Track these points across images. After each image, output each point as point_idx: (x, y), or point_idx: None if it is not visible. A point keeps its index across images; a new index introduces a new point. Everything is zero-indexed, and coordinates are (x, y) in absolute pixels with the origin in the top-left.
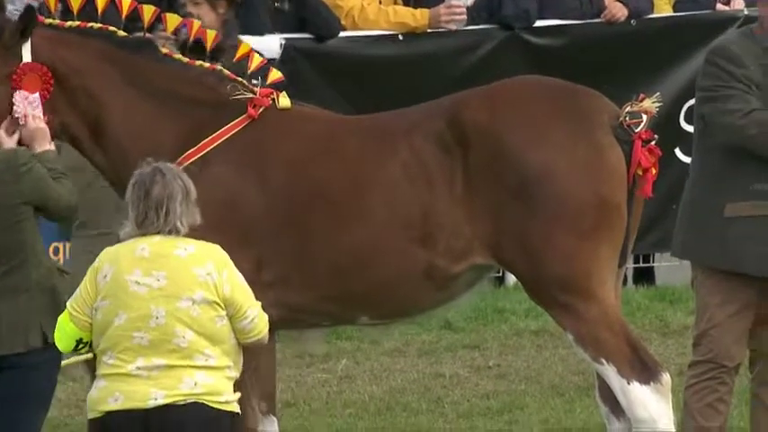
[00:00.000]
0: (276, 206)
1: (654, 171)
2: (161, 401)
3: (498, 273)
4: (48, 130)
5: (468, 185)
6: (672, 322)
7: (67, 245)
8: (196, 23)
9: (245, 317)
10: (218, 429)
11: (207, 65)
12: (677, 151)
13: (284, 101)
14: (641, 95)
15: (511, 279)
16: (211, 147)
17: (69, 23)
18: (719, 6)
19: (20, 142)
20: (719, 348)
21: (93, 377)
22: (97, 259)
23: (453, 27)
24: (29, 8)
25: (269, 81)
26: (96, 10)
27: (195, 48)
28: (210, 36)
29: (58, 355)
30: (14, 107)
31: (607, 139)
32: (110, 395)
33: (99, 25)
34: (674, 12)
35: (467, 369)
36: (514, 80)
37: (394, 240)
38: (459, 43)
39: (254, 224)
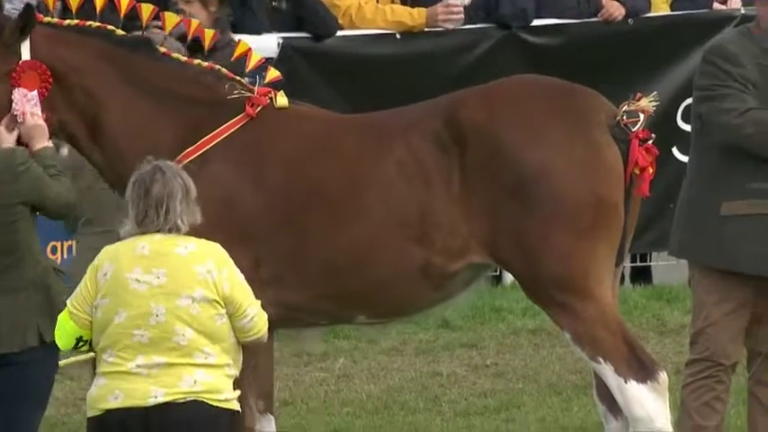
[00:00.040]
0: (274, 205)
1: (651, 170)
2: (161, 399)
3: (496, 271)
4: (46, 127)
5: (465, 184)
6: (669, 321)
7: (65, 244)
8: (194, 22)
9: (244, 315)
10: (217, 427)
11: (205, 64)
12: (674, 150)
13: (282, 100)
14: (638, 94)
15: (508, 278)
16: (209, 146)
17: (68, 22)
18: (716, 5)
19: (19, 139)
20: (716, 347)
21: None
22: (97, 257)
23: (450, 26)
24: (28, 6)
25: (267, 80)
26: (95, 9)
27: (192, 46)
28: (209, 35)
29: (55, 354)
30: (13, 104)
31: (604, 138)
32: (110, 393)
33: (97, 24)
34: (672, 11)
35: (464, 368)
36: (512, 79)
37: (391, 239)
38: (456, 42)
39: (252, 223)
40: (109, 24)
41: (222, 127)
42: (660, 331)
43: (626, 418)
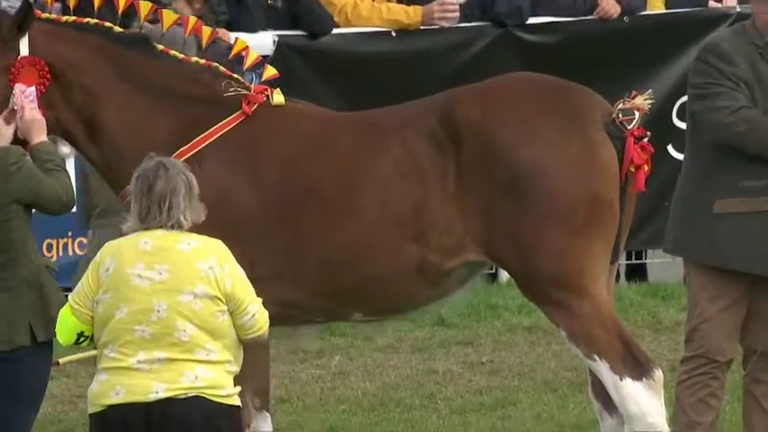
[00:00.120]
0: (269, 203)
1: (646, 168)
2: (162, 395)
3: (491, 269)
4: (44, 121)
5: (460, 182)
6: (664, 319)
7: (61, 241)
8: (192, 20)
9: (245, 312)
10: (218, 423)
11: (202, 61)
12: (669, 148)
13: (278, 98)
14: (634, 92)
15: (504, 275)
16: (205, 143)
17: (66, 18)
18: (712, 3)
19: (16, 134)
20: (711, 343)
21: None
22: (99, 253)
23: (446, 24)
24: (26, 2)
25: (264, 78)
26: (92, 6)
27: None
28: (206, 33)
29: (48, 353)
30: (12, 99)
31: (599, 136)
32: (111, 389)
33: (95, 21)
34: (667, 9)
35: (460, 365)
36: (507, 77)
37: (386, 237)
38: (452, 40)
39: (248, 221)
40: (106, 22)
41: (218, 125)
42: (655, 329)
43: (621, 416)
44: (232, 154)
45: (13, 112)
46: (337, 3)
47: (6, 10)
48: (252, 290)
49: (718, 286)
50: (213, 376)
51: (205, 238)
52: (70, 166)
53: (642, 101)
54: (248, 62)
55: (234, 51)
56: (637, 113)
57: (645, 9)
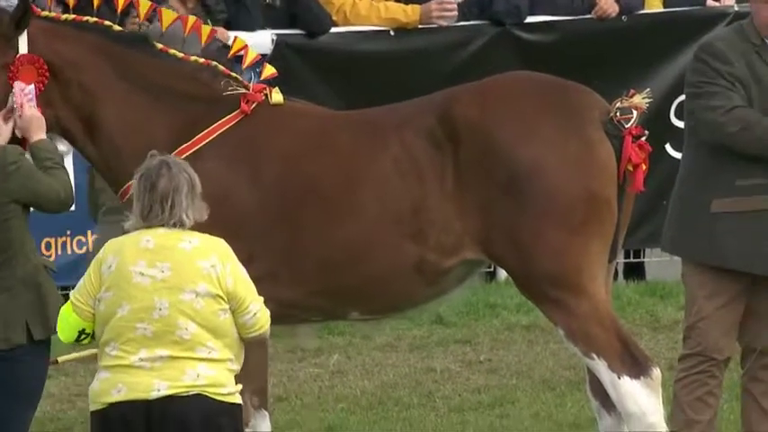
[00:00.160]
0: (268, 201)
1: (644, 167)
2: (164, 392)
3: (489, 268)
4: (43, 119)
5: (458, 181)
6: (662, 317)
7: (59, 240)
8: (191, 19)
9: (247, 311)
10: (219, 421)
11: (202, 60)
12: (668, 147)
13: (277, 96)
14: (632, 91)
15: (502, 274)
16: (204, 142)
17: (65, 17)
18: (710, 2)
19: (14, 132)
20: (708, 341)
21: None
22: (101, 250)
23: (444, 23)
24: (24, 0)
25: (263, 77)
26: (92, 4)
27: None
28: (205, 31)
29: (45, 352)
30: (12, 96)
31: (597, 135)
32: (112, 387)
33: (95, 19)
34: (665, 8)
35: (458, 364)
36: (505, 76)
37: (385, 235)
38: (450, 39)
39: (247, 219)
40: (105, 20)
41: (217, 123)
42: (653, 327)
43: (619, 414)
44: (231, 152)
45: (12, 109)
46: (336, 1)
47: (6, 9)
48: (253, 288)
49: (715, 284)
50: (215, 374)
51: (207, 236)
52: (69, 163)
53: (640, 100)
54: (247, 61)
55: (233, 50)
56: (635, 112)
57: (643, 8)
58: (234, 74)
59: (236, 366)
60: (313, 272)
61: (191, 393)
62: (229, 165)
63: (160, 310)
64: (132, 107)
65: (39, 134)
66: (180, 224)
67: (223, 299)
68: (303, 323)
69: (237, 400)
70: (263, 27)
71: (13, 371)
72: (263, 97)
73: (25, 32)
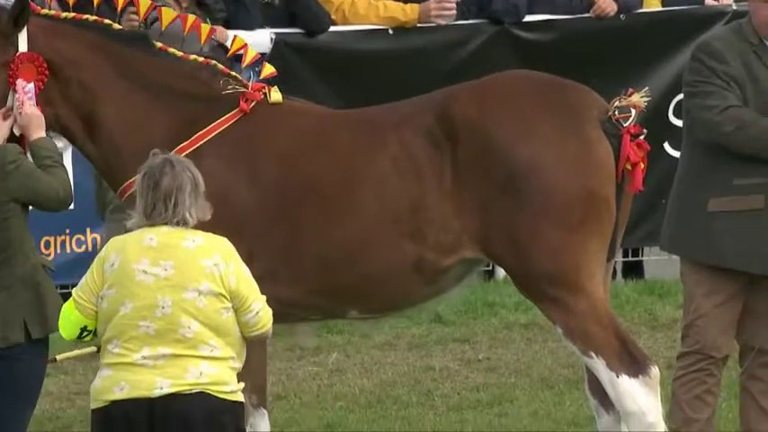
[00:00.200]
0: (267, 200)
1: (643, 165)
2: (167, 390)
3: (488, 266)
4: (42, 117)
5: (457, 180)
6: (661, 316)
7: (59, 238)
8: (191, 17)
9: (249, 310)
10: (222, 419)
11: (201, 59)
12: (666, 146)
13: (276, 95)
14: (630, 90)
15: (500, 273)
16: (204, 140)
17: (65, 15)
18: (708, 1)
19: (12, 131)
20: (706, 339)
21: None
22: (104, 248)
23: (443, 22)
24: None
25: (263, 76)
26: (92, 3)
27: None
28: (205, 30)
29: (44, 351)
30: (14, 94)
31: (596, 134)
32: (115, 384)
33: (95, 17)
34: (663, 6)
35: (457, 362)
36: (504, 75)
37: (384, 234)
38: (448, 38)
39: (246, 218)
40: (105, 18)
41: (216, 122)
42: (652, 326)
43: (617, 413)
44: (230, 151)
45: (11, 108)
46: (334, 0)
47: (5, 6)
48: (256, 287)
49: (713, 282)
50: (217, 372)
51: (210, 235)
52: (67, 161)
53: (639, 98)
54: (247, 60)
55: (232, 49)
56: (633, 111)
57: (641, 7)
58: (233, 73)
59: (238, 365)
60: (312, 270)
61: (194, 391)
62: (228, 163)
63: (163, 308)
64: (132, 106)
65: (38, 132)
66: (183, 223)
67: (226, 297)
68: (302, 322)
69: (240, 398)
70: (261, 26)
71: (12, 369)
72: (262, 96)
73: (25, 30)
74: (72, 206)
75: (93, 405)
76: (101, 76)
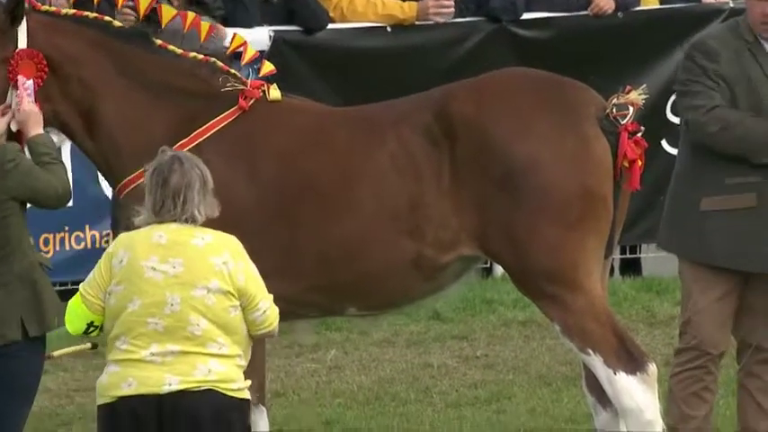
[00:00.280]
0: (266, 198)
1: (640, 163)
2: (175, 387)
3: (486, 263)
4: (40, 114)
5: (455, 177)
6: (658, 313)
7: (58, 236)
8: (190, 15)
9: (257, 308)
10: (230, 416)
11: (200, 56)
12: (664, 143)
13: (275, 93)
14: (628, 87)
15: (499, 270)
16: (203, 138)
17: (65, 11)
18: None
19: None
20: (704, 335)
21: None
22: (112, 244)
23: (441, 19)
24: None
25: (262, 73)
26: (92, 1)
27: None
28: (204, 27)
29: (41, 349)
30: (14, 90)
31: (593, 131)
32: (123, 380)
33: (95, 14)
34: (661, 4)
35: (455, 359)
36: (502, 72)
37: (383, 232)
38: (446, 35)
39: (245, 216)
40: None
41: (215, 120)
42: (649, 323)
43: (615, 410)
44: (229, 149)
45: (9, 104)
46: None
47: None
48: (264, 286)
49: (709, 279)
50: (225, 370)
51: (219, 233)
52: (66, 158)
53: (636, 96)
54: (246, 58)
55: (232, 47)
56: (631, 108)
57: (639, 5)
58: (232, 70)
59: (244, 363)
60: (311, 268)
61: (202, 388)
62: (227, 161)
63: (172, 305)
64: (131, 103)
65: (36, 129)
66: (192, 220)
67: (234, 296)
68: (301, 319)
69: (247, 395)
70: (260, 23)
71: (9, 367)
72: (261, 94)
73: (24, 27)
74: (71, 203)
75: (100, 401)
76: (100, 72)
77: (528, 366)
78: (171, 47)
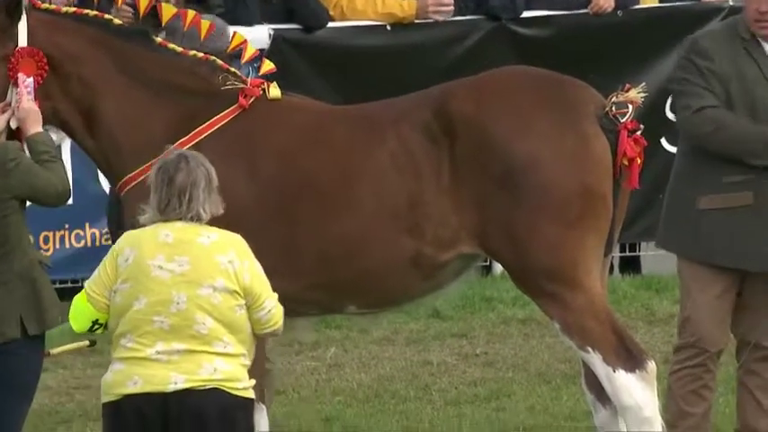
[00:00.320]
0: (266, 196)
1: (639, 161)
2: (181, 386)
3: (486, 261)
4: (39, 112)
5: (454, 175)
6: (658, 311)
7: (57, 233)
8: (191, 13)
9: (262, 307)
10: (235, 415)
11: (200, 55)
12: (663, 141)
13: (275, 91)
14: (627, 86)
15: (498, 268)
16: (203, 136)
17: (65, 9)
18: None
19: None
20: (702, 332)
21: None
22: (117, 242)
23: (441, 18)
24: None
25: (262, 72)
26: None
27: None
28: (204, 26)
29: (40, 347)
30: (15, 88)
31: (593, 129)
32: (128, 378)
33: (95, 12)
34: (660, 3)
35: (454, 357)
36: (501, 70)
37: (382, 230)
38: (446, 34)
39: (245, 214)
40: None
41: (215, 118)
42: (649, 321)
43: (614, 407)
44: (229, 147)
45: (9, 102)
46: None
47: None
48: (269, 285)
49: (707, 276)
50: (231, 369)
51: (225, 231)
52: (66, 156)
53: (635, 94)
54: (246, 56)
55: (232, 45)
56: (630, 107)
57: (638, 3)
58: (232, 68)
59: (248, 362)
60: (310, 266)
61: (207, 387)
62: (227, 159)
63: (178, 303)
64: (131, 101)
65: (35, 127)
66: (197, 218)
67: (240, 294)
68: (300, 317)
69: (251, 394)
70: (260, 22)
71: (8, 364)
72: (261, 92)
73: (25, 25)
74: (71, 201)
75: (105, 399)
76: (101, 71)
77: (527, 364)
78: (171, 45)
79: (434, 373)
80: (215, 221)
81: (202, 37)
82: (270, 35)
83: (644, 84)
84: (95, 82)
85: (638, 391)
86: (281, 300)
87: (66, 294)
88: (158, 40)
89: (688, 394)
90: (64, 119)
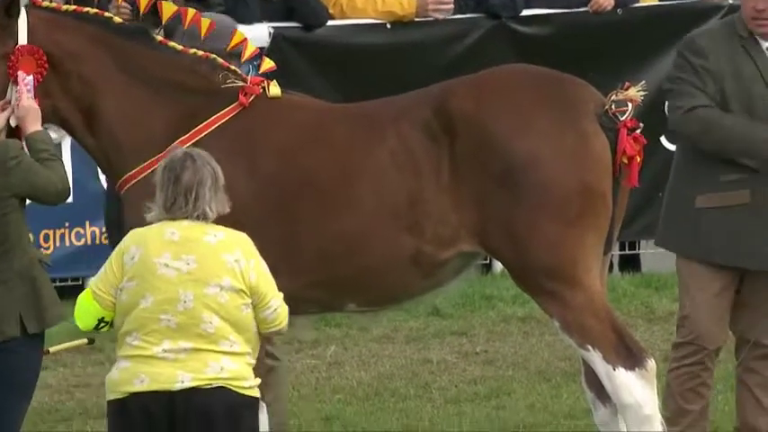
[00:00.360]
0: (266, 194)
1: (639, 159)
2: (188, 384)
3: (486, 260)
4: (39, 110)
5: (454, 173)
6: (657, 309)
7: (58, 232)
8: (191, 11)
9: (268, 306)
10: (241, 414)
11: (200, 53)
12: (662, 139)
13: (275, 89)
14: (627, 84)
15: (498, 266)
16: (203, 134)
17: (65, 7)
18: None
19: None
20: (701, 330)
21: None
22: (123, 240)
23: (440, 16)
24: None
25: (262, 70)
26: None
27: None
28: (205, 24)
29: (39, 345)
30: (15, 86)
31: (592, 128)
32: (134, 377)
33: (95, 10)
34: (660, 1)
35: (454, 355)
36: (501, 69)
37: (382, 228)
38: (446, 32)
39: (244, 212)
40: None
41: (215, 116)
42: (648, 319)
43: (614, 405)
44: (229, 145)
45: (8, 100)
46: None
47: None
48: (274, 284)
49: (706, 275)
50: (237, 368)
51: (231, 230)
52: (66, 154)
53: (635, 92)
54: (246, 54)
55: (232, 43)
56: (630, 105)
57: (638, 1)
58: (232, 66)
59: (254, 361)
60: (310, 264)
61: (214, 386)
62: (227, 157)
63: (185, 302)
64: (131, 99)
65: (35, 125)
66: (203, 217)
67: (246, 293)
68: (300, 315)
69: (257, 393)
70: (260, 20)
71: (7, 362)
72: (261, 90)
73: (25, 22)
74: (71, 199)
75: (110, 396)
76: (101, 69)
77: (527, 362)
78: (171, 43)
79: (434, 372)
80: (216, 219)
81: (203, 35)
82: (270, 33)
83: (644, 82)
84: (95, 80)
85: (637, 389)
86: (282, 297)
87: (67, 293)
88: (158, 38)
89: (686, 392)
90: (64, 117)
